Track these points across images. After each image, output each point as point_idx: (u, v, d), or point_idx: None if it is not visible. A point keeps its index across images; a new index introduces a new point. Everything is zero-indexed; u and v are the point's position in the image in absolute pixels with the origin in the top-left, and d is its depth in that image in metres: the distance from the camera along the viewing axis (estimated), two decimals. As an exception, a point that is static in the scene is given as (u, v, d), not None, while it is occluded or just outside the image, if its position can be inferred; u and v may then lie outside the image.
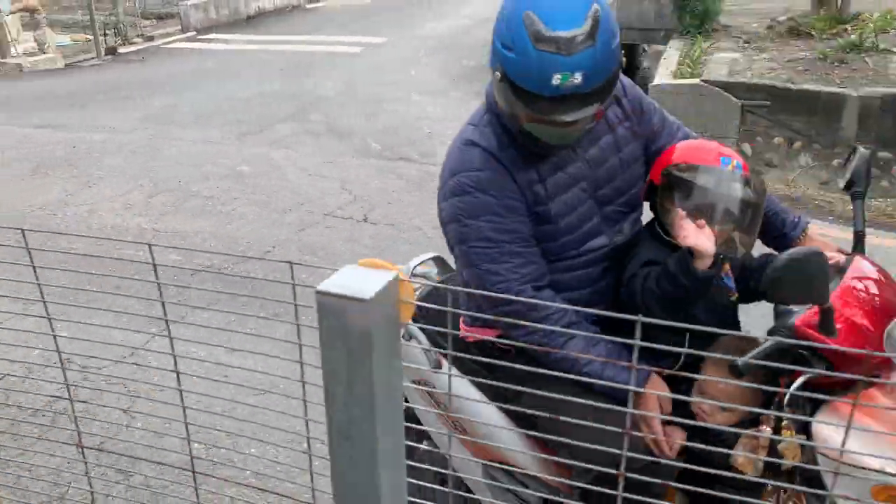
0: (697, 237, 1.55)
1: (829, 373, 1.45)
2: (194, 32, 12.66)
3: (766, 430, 1.55)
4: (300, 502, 2.37)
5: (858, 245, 1.82)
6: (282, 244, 4.55)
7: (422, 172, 5.76)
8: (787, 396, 1.48)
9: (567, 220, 1.72)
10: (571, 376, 1.62)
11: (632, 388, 1.60)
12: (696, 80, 8.48)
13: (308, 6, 15.98)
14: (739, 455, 1.56)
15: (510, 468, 2.00)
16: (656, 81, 8.77)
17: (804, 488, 1.56)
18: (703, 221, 1.58)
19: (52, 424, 3.09)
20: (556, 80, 1.46)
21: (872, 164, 1.96)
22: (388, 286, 1.05)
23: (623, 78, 1.90)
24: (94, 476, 2.96)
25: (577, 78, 1.46)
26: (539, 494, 1.96)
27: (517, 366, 1.66)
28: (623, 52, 1.81)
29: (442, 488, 1.99)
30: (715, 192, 1.66)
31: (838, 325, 1.52)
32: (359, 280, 1.05)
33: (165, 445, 2.81)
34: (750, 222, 1.68)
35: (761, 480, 1.61)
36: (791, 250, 1.41)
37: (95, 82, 9.53)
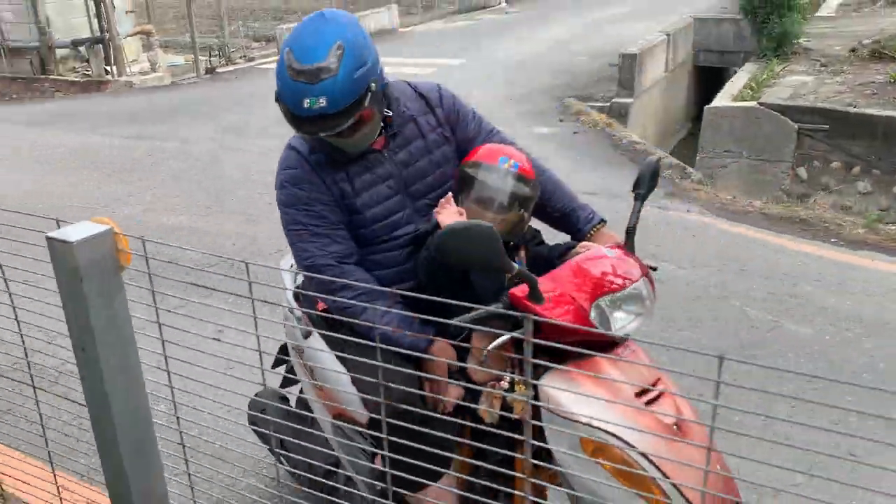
0: (448, 217, 1.83)
1: (517, 335, 1.68)
2: (288, 54, 13.59)
3: (503, 385, 1.79)
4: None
5: (629, 239, 2.02)
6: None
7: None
8: (481, 354, 1.73)
9: (373, 211, 2.02)
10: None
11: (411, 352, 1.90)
12: (752, 104, 8.42)
13: (401, 30, 16.73)
14: (481, 407, 1.82)
15: (353, 426, 2.31)
16: (713, 104, 8.74)
17: (526, 438, 1.79)
18: (461, 208, 1.87)
19: (54, 381, 3.64)
20: (306, 103, 1.78)
21: (659, 171, 2.12)
22: (98, 236, 1.42)
23: (443, 91, 2.19)
24: (74, 425, 3.49)
25: (322, 101, 1.77)
26: (368, 448, 2.26)
27: (333, 334, 2.00)
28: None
29: (325, 450, 2.32)
30: (489, 186, 1.92)
31: (564, 300, 1.76)
32: (78, 231, 1.42)
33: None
34: (520, 207, 1.94)
35: (509, 434, 1.84)
36: (459, 221, 1.65)
37: (189, 98, 10.49)
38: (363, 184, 2.01)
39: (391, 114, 2.00)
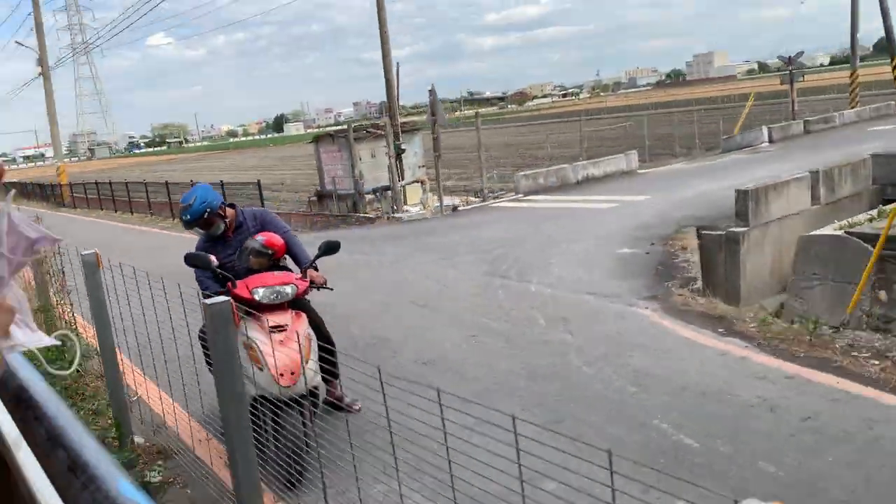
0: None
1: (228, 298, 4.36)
2: (521, 195, 16.80)
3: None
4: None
5: (304, 272, 4.58)
6: (361, 313, 7.88)
7: (501, 285, 8.48)
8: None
9: (225, 259, 4.90)
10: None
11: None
12: (839, 232, 9.20)
13: (640, 171, 18.93)
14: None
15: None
16: (810, 233, 9.59)
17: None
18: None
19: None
20: (184, 217, 4.78)
21: (334, 247, 4.62)
22: (91, 255, 4.54)
23: (261, 210, 5.05)
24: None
25: (188, 216, 4.75)
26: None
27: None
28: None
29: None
30: (249, 246, 4.68)
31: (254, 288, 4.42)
32: (86, 252, 4.57)
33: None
34: (259, 257, 4.64)
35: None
36: (191, 251, 4.44)
37: (421, 228, 14.16)
38: (217, 248, 4.91)
39: (228, 218, 4.90)
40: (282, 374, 4.12)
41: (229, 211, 4.99)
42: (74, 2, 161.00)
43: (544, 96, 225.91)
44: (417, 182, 17.94)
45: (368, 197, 18.46)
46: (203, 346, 4.94)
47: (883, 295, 8.70)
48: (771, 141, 21.76)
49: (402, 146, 18.33)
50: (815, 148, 19.36)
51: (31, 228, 0.91)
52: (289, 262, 4.97)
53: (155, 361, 4.58)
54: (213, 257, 4.63)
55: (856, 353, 5.32)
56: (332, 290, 4.92)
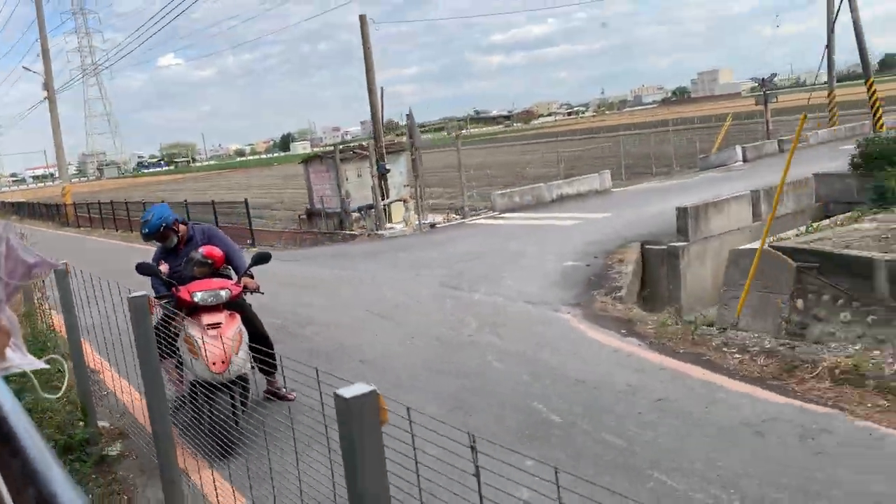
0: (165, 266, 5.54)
1: (165, 298, 5.23)
2: (498, 212, 17.67)
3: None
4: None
5: (239, 279, 5.46)
6: (326, 322, 8.73)
7: (450, 295, 9.32)
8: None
9: (175, 268, 5.77)
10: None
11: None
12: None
13: (614, 190, 19.78)
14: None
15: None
16: (738, 246, 10.41)
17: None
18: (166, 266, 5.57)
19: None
20: (143, 230, 5.68)
21: (264, 258, 5.47)
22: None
23: (207, 226, 5.93)
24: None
25: (146, 230, 5.65)
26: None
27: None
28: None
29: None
30: (192, 257, 5.55)
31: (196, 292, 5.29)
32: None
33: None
34: (201, 266, 5.51)
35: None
36: (142, 261, 5.31)
37: (399, 244, 15.02)
38: (174, 261, 5.79)
39: (180, 233, 5.78)
40: (214, 363, 4.97)
41: (182, 227, 5.88)
42: (84, 24, 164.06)
43: (549, 114, 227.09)
44: (401, 200, 18.84)
45: (354, 215, 19.38)
46: (157, 338, 5.82)
47: (800, 303, 9.48)
48: (745, 160, 22.59)
49: (387, 167, 19.27)
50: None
51: (29, 254, 0.87)
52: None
53: (117, 354, 5.44)
54: (164, 266, 5.51)
55: (726, 349, 6.14)
56: (262, 293, 5.77)
